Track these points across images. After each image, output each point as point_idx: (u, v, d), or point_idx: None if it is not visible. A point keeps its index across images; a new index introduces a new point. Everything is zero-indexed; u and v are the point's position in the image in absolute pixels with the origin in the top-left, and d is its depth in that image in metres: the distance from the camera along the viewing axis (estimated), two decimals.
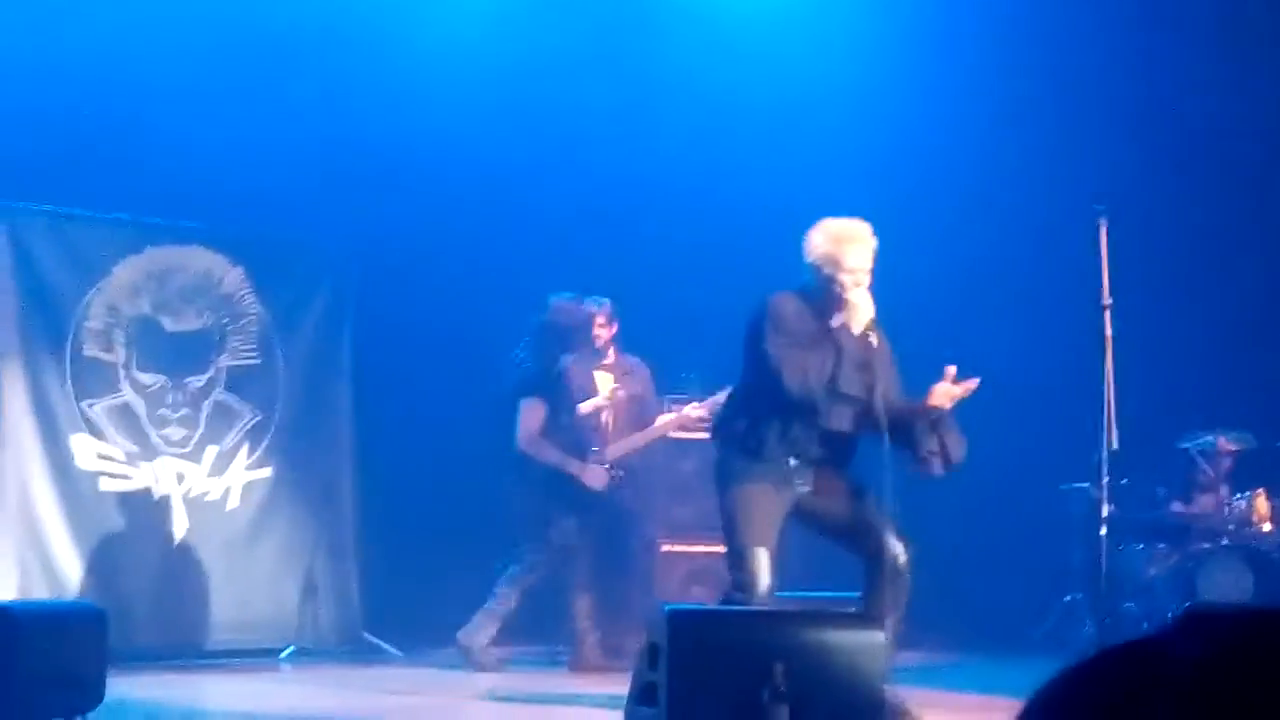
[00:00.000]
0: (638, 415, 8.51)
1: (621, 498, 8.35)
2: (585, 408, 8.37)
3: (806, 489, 6.11)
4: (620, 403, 8.42)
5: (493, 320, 9.09)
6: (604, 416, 8.43)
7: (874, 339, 6.13)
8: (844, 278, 6.07)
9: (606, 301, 8.42)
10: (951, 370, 6.05)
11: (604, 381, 8.42)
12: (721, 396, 8.29)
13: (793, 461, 6.07)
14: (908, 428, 6.06)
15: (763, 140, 9.97)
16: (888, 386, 6.12)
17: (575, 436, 8.18)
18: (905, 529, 6.21)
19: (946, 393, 6.04)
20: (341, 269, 9.03)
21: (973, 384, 6.05)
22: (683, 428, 8.57)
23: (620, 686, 7.00)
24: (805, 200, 10.05)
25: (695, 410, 8.45)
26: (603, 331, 8.42)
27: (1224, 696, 1.47)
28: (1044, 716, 1.56)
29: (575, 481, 8.04)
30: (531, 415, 8.10)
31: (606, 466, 8.15)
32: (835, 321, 6.08)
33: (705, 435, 7.83)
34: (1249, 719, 1.46)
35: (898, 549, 6.08)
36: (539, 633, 8.57)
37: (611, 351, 8.47)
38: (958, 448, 6.10)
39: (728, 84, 9.90)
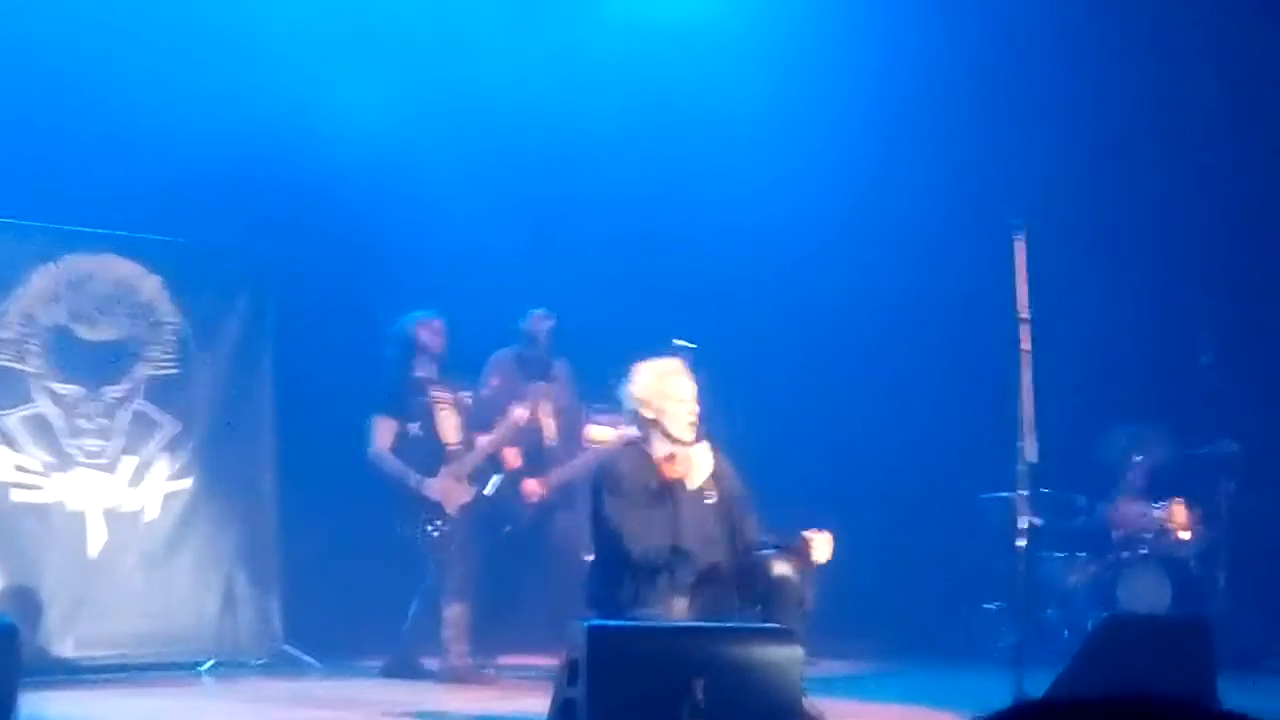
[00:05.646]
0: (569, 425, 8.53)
1: (522, 509, 8.34)
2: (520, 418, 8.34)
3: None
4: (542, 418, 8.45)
5: None
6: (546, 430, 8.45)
7: (713, 493, 6.14)
8: (673, 408, 6.11)
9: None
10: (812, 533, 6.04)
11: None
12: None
13: (671, 604, 6.02)
14: (765, 577, 5.95)
15: (683, 151, 9.97)
16: (741, 532, 6.12)
17: (425, 449, 8.15)
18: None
19: (827, 543, 6.02)
20: (262, 276, 8.91)
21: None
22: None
23: (521, 699, 7.02)
24: (724, 212, 10.15)
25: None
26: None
27: None
28: None
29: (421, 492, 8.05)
30: (383, 431, 8.15)
31: (457, 480, 8.12)
32: (670, 474, 6.09)
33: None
34: None
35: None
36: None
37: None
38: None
39: (649, 93, 9.89)
